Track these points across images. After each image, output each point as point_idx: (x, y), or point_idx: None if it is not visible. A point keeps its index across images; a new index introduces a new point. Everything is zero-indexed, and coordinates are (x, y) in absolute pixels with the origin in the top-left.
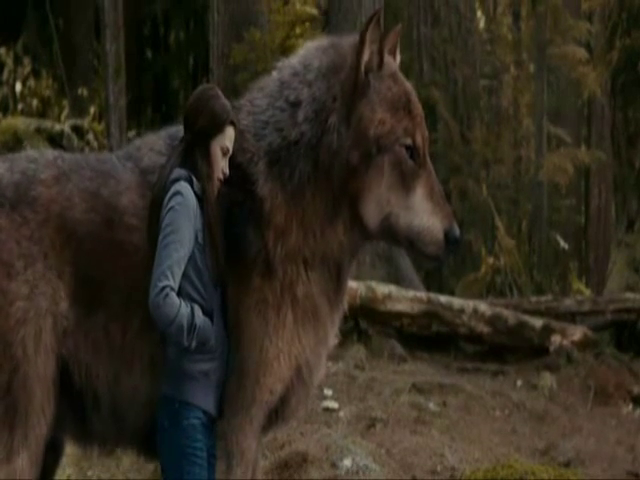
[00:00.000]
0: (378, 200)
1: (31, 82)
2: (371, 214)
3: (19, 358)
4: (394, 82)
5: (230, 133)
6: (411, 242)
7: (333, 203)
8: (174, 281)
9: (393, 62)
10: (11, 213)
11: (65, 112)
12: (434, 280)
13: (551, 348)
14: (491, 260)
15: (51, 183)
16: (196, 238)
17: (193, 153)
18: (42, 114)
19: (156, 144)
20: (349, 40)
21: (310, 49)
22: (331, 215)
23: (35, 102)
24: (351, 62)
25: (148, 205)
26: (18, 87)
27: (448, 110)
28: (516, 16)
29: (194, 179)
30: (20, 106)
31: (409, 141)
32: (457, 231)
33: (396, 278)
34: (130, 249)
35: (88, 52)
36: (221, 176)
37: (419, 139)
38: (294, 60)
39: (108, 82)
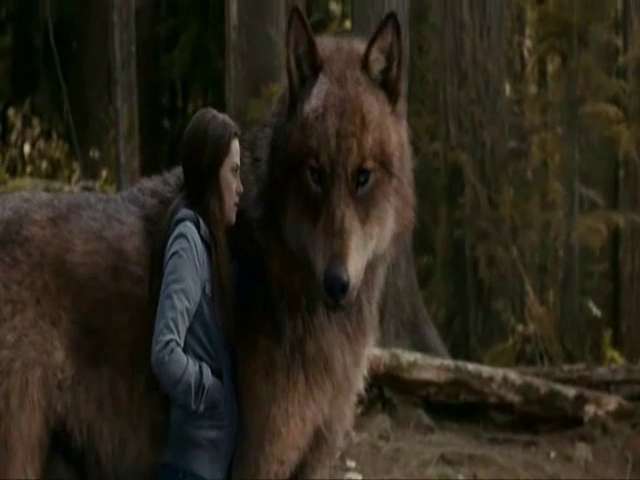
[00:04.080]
0: (293, 232)
1: (40, 144)
2: (294, 248)
3: (1, 413)
4: (319, 91)
5: (236, 147)
6: None
7: None
8: (179, 335)
9: (342, 67)
10: (0, 252)
11: (76, 174)
12: (461, 350)
13: (585, 418)
14: (521, 328)
15: (46, 224)
16: (203, 289)
17: (203, 193)
18: (52, 176)
19: (163, 189)
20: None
21: None
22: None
23: (44, 164)
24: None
25: (150, 251)
26: (27, 149)
27: (475, 173)
28: (544, 75)
29: (202, 223)
30: (29, 168)
31: (313, 162)
32: (336, 272)
33: (421, 347)
34: (135, 302)
35: (100, 113)
36: (237, 199)
37: (324, 157)
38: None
39: (119, 141)
